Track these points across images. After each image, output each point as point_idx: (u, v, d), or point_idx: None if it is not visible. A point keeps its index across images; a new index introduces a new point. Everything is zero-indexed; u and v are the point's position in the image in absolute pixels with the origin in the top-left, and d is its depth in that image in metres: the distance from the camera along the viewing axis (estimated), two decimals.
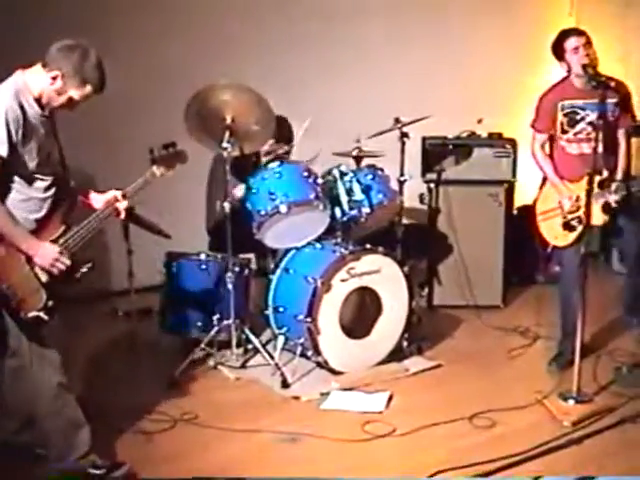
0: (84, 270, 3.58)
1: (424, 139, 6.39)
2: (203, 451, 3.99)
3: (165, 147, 3.97)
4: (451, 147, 6.40)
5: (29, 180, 3.45)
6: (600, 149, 4.55)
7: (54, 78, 3.43)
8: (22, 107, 3.38)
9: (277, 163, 4.99)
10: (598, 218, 4.67)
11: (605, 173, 4.68)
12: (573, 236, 4.79)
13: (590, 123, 4.79)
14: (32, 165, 3.43)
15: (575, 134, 4.87)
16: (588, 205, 4.43)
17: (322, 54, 7.07)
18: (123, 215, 3.86)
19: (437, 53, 7.48)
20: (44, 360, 3.54)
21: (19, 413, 3.74)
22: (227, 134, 4.76)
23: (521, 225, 6.87)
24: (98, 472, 3.65)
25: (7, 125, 3.30)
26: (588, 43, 4.72)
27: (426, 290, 6.46)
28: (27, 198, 3.46)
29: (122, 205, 3.82)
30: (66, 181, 3.67)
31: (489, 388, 4.79)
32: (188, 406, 4.45)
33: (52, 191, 3.55)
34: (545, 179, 5.03)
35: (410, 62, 7.36)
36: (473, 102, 7.16)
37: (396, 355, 5.15)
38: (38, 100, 3.46)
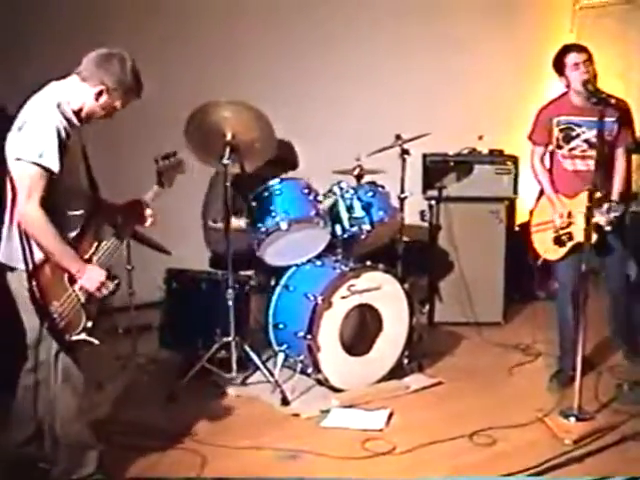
0: (113, 287, 3.52)
1: (425, 156, 6.39)
2: (202, 468, 3.97)
3: (166, 157, 3.95)
4: (452, 164, 6.40)
5: (65, 196, 3.42)
6: (593, 167, 4.58)
7: (99, 93, 3.42)
8: (68, 121, 3.35)
9: (277, 180, 5.00)
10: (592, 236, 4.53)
11: (598, 193, 4.59)
12: (563, 251, 4.82)
13: (586, 140, 4.79)
14: (70, 179, 3.41)
15: (570, 150, 4.86)
16: (588, 222, 4.43)
17: (323, 72, 7.09)
18: (149, 222, 3.82)
19: (438, 70, 7.49)
20: (69, 381, 3.51)
21: (27, 426, 3.70)
22: (227, 150, 4.76)
23: (522, 242, 6.87)
24: None
25: (59, 139, 3.27)
26: (589, 60, 4.70)
27: (427, 307, 6.45)
28: (64, 215, 3.42)
29: (148, 212, 3.80)
30: (96, 196, 3.64)
31: (490, 405, 4.78)
32: (188, 423, 4.43)
33: (85, 207, 3.52)
34: (542, 191, 5.05)
35: (411, 79, 7.37)
36: (474, 119, 7.17)
37: (396, 372, 5.13)
38: (77, 113, 3.43)
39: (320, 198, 5.07)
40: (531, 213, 5.20)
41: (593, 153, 4.70)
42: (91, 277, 3.40)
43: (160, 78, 6.14)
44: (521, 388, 5.11)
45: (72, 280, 3.39)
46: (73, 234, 3.46)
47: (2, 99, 4.83)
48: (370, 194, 5.23)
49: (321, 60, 7.09)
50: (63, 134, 3.30)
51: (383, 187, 5.36)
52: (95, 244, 3.51)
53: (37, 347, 3.47)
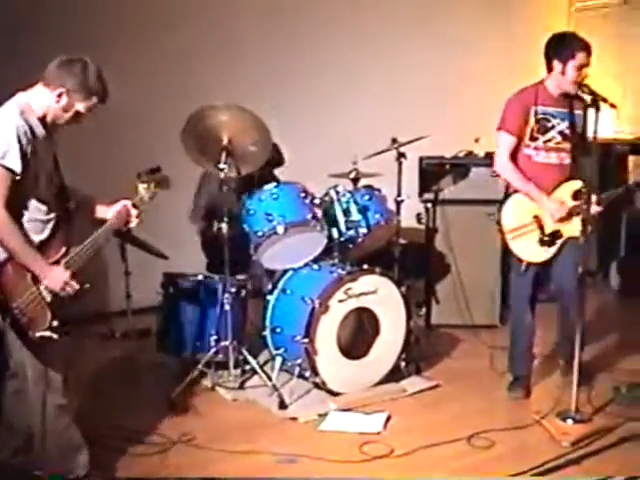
0: (85, 287, 3.56)
1: (421, 159, 6.41)
2: (201, 472, 3.97)
3: (152, 171, 3.95)
4: (448, 167, 6.42)
5: (33, 200, 3.44)
6: (568, 160, 4.70)
7: (59, 95, 3.43)
8: (30, 126, 3.38)
9: (274, 184, 5.00)
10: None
11: (578, 184, 4.65)
12: (553, 250, 4.73)
13: (560, 132, 4.74)
14: (37, 185, 3.43)
15: (545, 142, 4.74)
16: (585, 219, 4.42)
17: (318, 75, 7.11)
18: (135, 223, 3.82)
19: (434, 73, 7.52)
20: (44, 381, 3.50)
21: (17, 434, 3.70)
22: (224, 155, 4.76)
23: None
24: None
25: (19, 141, 3.30)
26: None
27: (424, 310, 6.46)
28: (30, 219, 3.45)
29: (134, 213, 3.80)
30: (66, 202, 3.65)
31: (487, 408, 4.79)
32: (186, 427, 4.43)
33: (54, 213, 3.54)
34: (507, 194, 4.82)
35: (407, 82, 7.40)
36: (470, 122, 7.17)
37: (394, 375, 5.14)
38: (42, 120, 3.46)
39: (317, 202, 5.06)
40: (498, 222, 4.78)
41: (566, 145, 4.73)
42: (54, 277, 3.43)
43: (153, 82, 6.20)
44: None
45: (36, 279, 3.43)
46: (42, 237, 3.50)
47: None
48: (367, 197, 5.24)
49: (317, 63, 7.12)
50: (24, 139, 3.33)
51: (380, 190, 5.37)
52: (64, 248, 3.54)
53: (14, 348, 3.48)
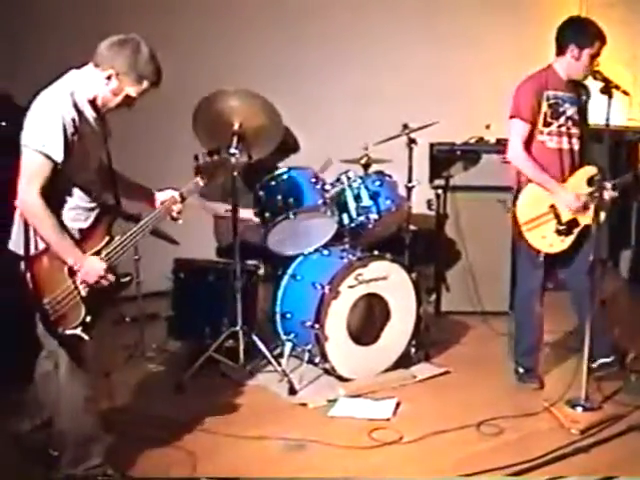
0: (125, 280, 3.52)
1: (432, 145, 6.39)
2: (210, 457, 3.98)
3: (209, 154, 3.90)
4: (459, 153, 6.40)
5: (78, 187, 3.39)
6: (577, 145, 4.69)
7: (109, 78, 3.35)
8: (78, 109, 3.31)
9: (285, 169, 5.00)
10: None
11: (594, 170, 4.62)
12: (570, 239, 4.69)
13: (570, 117, 4.70)
14: (83, 172, 3.38)
15: (558, 127, 4.68)
16: (597, 208, 4.44)
17: (330, 61, 7.09)
18: (178, 218, 3.79)
19: (445, 59, 7.48)
20: (76, 372, 3.49)
21: (41, 412, 3.72)
22: (235, 140, 4.75)
23: None
24: None
25: (64, 130, 3.23)
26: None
27: (434, 296, 6.46)
28: (74, 207, 3.39)
29: (178, 207, 3.76)
30: (114, 190, 3.60)
31: (497, 395, 4.79)
32: (195, 412, 4.44)
33: (98, 202, 3.49)
34: (520, 185, 4.74)
35: (418, 68, 7.37)
36: (481, 108, 7.14)
37: (404, 362, 5.14)
38: (92, 102, 3.40)
39: (327, 187, 5.05)
40: (513, 214, 4.71)
41: (576, 131, 4.72)
42: (89, 269, 3.35)
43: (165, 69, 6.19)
44: None
45: (72, 273, 3.35)
46: (84, 226, 3.43)
47: (8, 88, 4.84)
48: (378, 183, 5.23)
49: (328, 50, 7.09)
50: (70, 125, 3.25)
51: (390, 176, 5.36)
52: (106, 239, 3.46)
53: (45, 336, 3.45)
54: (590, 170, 4.68)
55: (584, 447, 4.08)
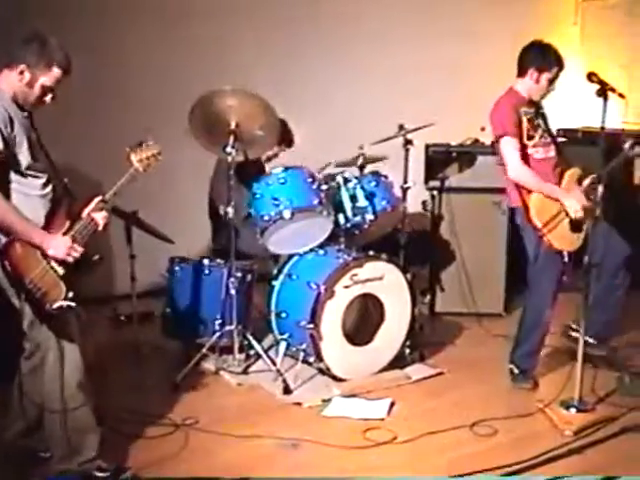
0: (95, 259, 3.59)
1: (427, 146, 6.39)
2: (204, 456, 3.99)
3: (139, 145, 3.90)
4: (454, 154, 6.41)
5: (25, 177, 3.46)
6: (554, 152, 4.89)
7: (21, 73, 3.45)
8: (5, 109, 3.39)
9: (281, 169, 5.00)
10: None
11: (579, 170, 4.85)
12: (583, 235, 4.73)
13: (544, 129, 4.91)
14: (25, 161, 3.44)
15: (540, 138, 4.84)
16: (592, 209, 4.52)
17: (326, 62, 7.09)
18: (101, 226, 3.66)
19: (441, 60, 7.48)
20: (66, 357, 3.52)
21: (28, 415, 3.71)
22: (231, 139, 4.75)
23: None
24: (103, 475, 3.64)
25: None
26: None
27: (428, 297, 6.46)
28: (26, 196, 3.46)
29: (100, 215, 3.64)
30: (59, 178, 3.66)
31: (491, 396, 4.80)
32: (190, 411, 4.45)
33: (49, 188, 3.55)
34: (524, 199, 4.74)
35: (414, 69, 7.37)
36: (477, 109, 7.12)
37: (398, 362, 5.15)
38: (15, 101, 3.47)
39: (323, 187, 5.06)
40: (530, 220, 4.70)
41: (549, 140, 4.92)
42: (57, 245, 3.45)
43: (158, 68, 6.20)
44: None
45: (45, 255, 3.44)
46: (43, 213, 3.52)
47: None
48: (373, 184, 5.24)
49: (324, 50, 7.09)
50: (2, 118, 3.35)
51: (386, 177, 5.37)
52: (67, 222, 3.55)
53: (31, 328, 3.50)
54: (576, 171, 4.85)
55: (578, 448, 4.09)
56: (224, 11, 6.59)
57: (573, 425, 4.30)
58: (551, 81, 4.84)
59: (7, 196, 3.41)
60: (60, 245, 3.46)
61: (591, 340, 5.02)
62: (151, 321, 5.77)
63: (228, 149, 4.72)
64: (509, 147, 4.73)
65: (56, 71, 3.51)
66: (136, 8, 6.19)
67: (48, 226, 3.50)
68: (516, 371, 4.95)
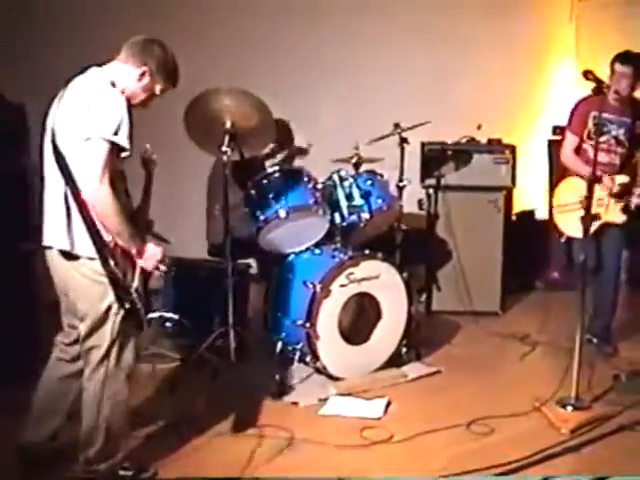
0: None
1: (423, 145, 6.39)
2: (201, 456, 3.98)
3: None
4: (450, 153, 6.41)
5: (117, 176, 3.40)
6: (617, 161, 5.20)
7: (142, 74, 3.43)
8: (126, 107, 3.32)
9: (276, 168, 4.99)
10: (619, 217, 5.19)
11: (626, 179, 5.12)
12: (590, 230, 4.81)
13: (615, 137, 5.21)
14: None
15: (600, 143, 4.97)
16: (588, 210, 4.52)
17: (322, 61, 7.09)
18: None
19: (436, 59, 7.48)
20: (123, 365, 3.49)
21: (54, 420, 3.71)
22: (227, 138, 4.74)
23: (520, 231, 6.90)
24: (128, 474, 3.64)
25: (129, 116, 3.28)
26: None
27: (425, 296, 6.47)
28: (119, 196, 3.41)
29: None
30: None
31: (487, 394, 4.80)
32: (186, 411, 4.43)
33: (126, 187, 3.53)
34: (562, 176, 5.40)
35: (410, 68, 7.37)
36: (472, 108, 7.16)
37: (395, 361, 5.15)
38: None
39: (319, 186, 5.06)
40: (552, 195, 5.47)
41: (618, 149, 5.20)
42: (150, 256, 3.44)
43: None
44: (518, 377, 5.12)
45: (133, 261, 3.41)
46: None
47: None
48: (369, 182, 5.24)
49: (321, 49, 7.10)
50: (126, 112, 3.29)
51: (382, 175, 5.36)
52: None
53: (92, 334, 3.43)
54: (622, 177, 5.20)
55: (574, 446, 4.09)
56: (222, 12, 6.59)
57: (569, 423, 4.29)
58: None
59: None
60: (153, 256, 3.45)
61: (594, 339, 5.33)
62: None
63: (223, 148, 4.71)
64: (566, 138, 5.42)
65: (169, 84, 3.53)
66: (134, 8, 6.20)
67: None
68: (595, 340, 5.31)
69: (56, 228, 3.37)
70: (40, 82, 3.50)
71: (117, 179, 3.36)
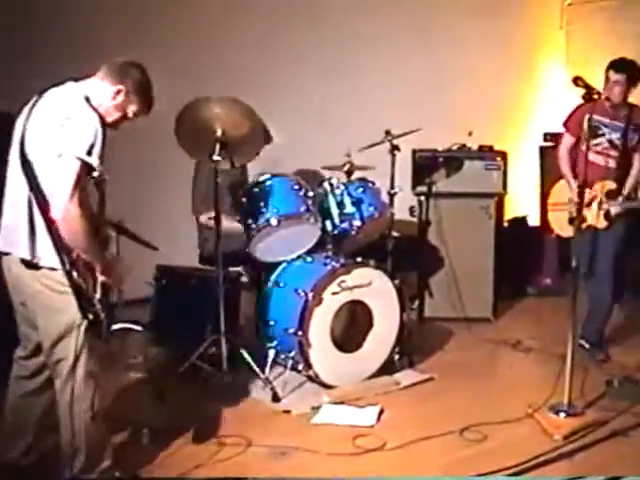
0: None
1: (414, 152, 6.40)
2: (192, 464, 3.96)
3: None
4: (441, 160, 6.42)
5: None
6: (613, 164, 5.21)
7: (117, 92, 3.40)
8: (101, 124, 3.29)
9: (267, 176, 4.99)
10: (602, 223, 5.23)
11: (613, 185, 5.17)
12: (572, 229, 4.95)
13: (609, 140, 5.25)
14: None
15: (594, 145, 5.16)
16: (579, 212, 4.57)
17: (312, 67, 7.09)
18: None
19: (428, 66, 7.50)
20: (91, 377, 3.46)
21: (26, 435, 3.66)
22: (218, 147, 4.73)
23: (511, 237, 6.91)
24: None
25: (103, 135, 3.25)
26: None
27: (417, 303, 6.46)
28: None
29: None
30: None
31: (480, 401, 4.79)
32: (178, 419, 4.42)
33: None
34: (561, 176, 5.50)
35: (401, 75, 7.38)
36: (464, 115, 7.18)
37: (387, 368, 5.14)
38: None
39: (310, 194, 5.05)
40: (548, 193, 5.65)
41: (613, 153, 5.22)
42: (115, 272, 3.43)
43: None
44: (511, 384, 5.12)
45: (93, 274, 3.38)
46: None
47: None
48: (360, 190, 5.24)
49: (311, 55, 7.10)
50: (100, 131, 3.25)
51: (373, 183, 5.37)
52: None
53: (55, 346, 3.38)
54: (611, 184, 5.25)
55: (567, 453, 4.08)
56: (212, 19, 6.59)
57: (562, 429, 4.28)
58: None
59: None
60: (118, 272, 3.46)
61: (587, 345, 5.37)
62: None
63: (215, 157, 4.70)
64: (563, 136, 5.56)
65: (143, 108, 3.51)
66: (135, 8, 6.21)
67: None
68: (587, 346, 5.32)
69: (17, 235, 3.32)
70: (39, 82, 3.47)
71: (84, 197, 3.31)
